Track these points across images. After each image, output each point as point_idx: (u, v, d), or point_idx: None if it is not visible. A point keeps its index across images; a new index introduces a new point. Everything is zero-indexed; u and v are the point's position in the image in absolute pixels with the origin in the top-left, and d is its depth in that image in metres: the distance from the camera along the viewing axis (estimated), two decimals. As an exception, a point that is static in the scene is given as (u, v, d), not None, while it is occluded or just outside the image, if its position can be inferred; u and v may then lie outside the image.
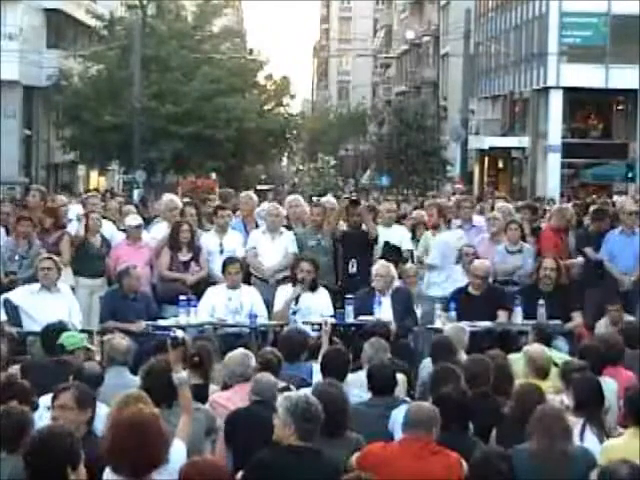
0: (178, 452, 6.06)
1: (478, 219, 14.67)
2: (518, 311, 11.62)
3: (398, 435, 6.98)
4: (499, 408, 7.56)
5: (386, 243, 13.63)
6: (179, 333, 7.82)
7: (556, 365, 8.67)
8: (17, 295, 11.47)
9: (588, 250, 13.85)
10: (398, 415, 7.22)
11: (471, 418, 7.24)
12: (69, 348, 8.62)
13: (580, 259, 13.95)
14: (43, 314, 10.64)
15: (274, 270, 12.99)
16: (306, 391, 6.89)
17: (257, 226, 13.82)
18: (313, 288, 11.89)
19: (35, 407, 7.03)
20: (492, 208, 15.61)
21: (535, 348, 8.75)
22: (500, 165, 55.30)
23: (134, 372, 8.22)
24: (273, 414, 6.45)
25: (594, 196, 28.48)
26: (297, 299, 11.77)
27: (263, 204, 15.36)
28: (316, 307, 11.74)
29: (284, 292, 11.94)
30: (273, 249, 13.14)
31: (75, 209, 14.54)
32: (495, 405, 7.69)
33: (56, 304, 11.17)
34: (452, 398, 7.11)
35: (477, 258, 12.59)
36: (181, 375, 7.03)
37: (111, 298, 11.82)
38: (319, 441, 6.42)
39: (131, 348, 8.63)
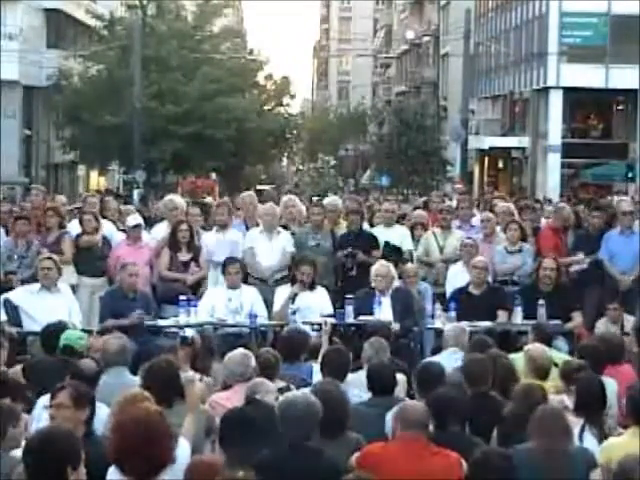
0: (183, 451, 6.07)
1: (477, 219, 14.70)
2: (518, 311, 11.63)
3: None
4: (500, 408, 7.56)
5: (386, 243, 13.64)
6: (189, 333, 7.82)
7: (556, 365, 8.67)
8: (17, 295, 11.48)
9: (580, 255, 13.86)
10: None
11: (468, 417, 7.24)
12: (80, 350, 8.60)
13: (580, 257, 13.94)
14: (43, 314, 10.65)
15: (272, 270, 13.00)
16: (305, 391, 6.90)
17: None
18: (311, 287, 11.90)
19: (32, 404, 7.03)
20: (491, 209, 15.63)
21: (536, 348, 8.75)
22: (500, 165, 55.28)
23: (134, 372, 8.21)
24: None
25: (598, 197, 28.46)
26: (293, 299, 11.78)
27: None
28: (315, 306, 11.75)
29: (283, 292, 11.95)
30: (271, 249, 13.14)
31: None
32: (496, 405, 7.68)
33: (56, 304, 11.17)
34: (446, 397, 7.11)
35: (477, 250, 12.68)
36: (189, 374, 7.02)
37: (110, 298, 11.82)
38: (319, 441, 6.43)
39: (125, 347, 8.53)
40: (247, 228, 13.83)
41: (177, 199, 14.78)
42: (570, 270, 13.68)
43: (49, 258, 11.72)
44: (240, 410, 7.21)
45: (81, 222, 13.49)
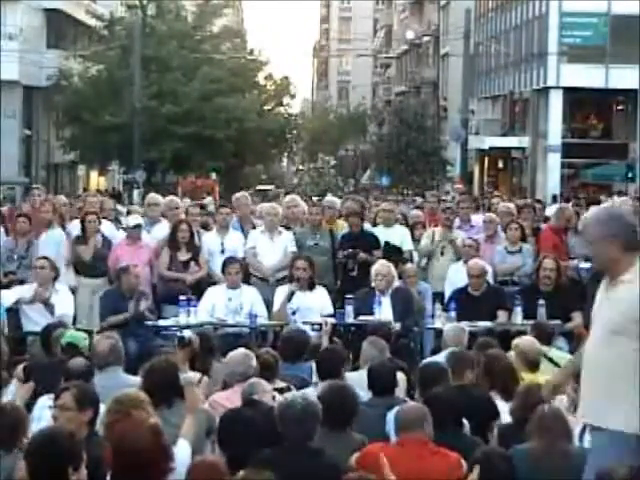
0: (183, 452, 6.05)
1: (477, 219, 14.70)
2: (518, 311, 11.62)
3: (393, 437, 6.98)
4: (488, 403, 7.58)
5: (386, 243, 13.64)
6: (186, 333, 7.76)
7: (558, 366, 8.66)
8: (15, 295, 11.47)
9: (575, 261, 13.89)
10: (392, 417, 7.24)
11: (467, 416, 7.24)
12: (82, 349, 8.58)
13: (575, 262, 13.97)
14: (41, 314, 10.66)
15: (274, 269, 13.00)
16: (307, 391, 6.90)
17: (254, 226, 13.85)
18: (311, 287, 11.89)
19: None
20: (489, 208, 15.65)
21: (525, 341, 8.77)
22: (500, 165, 55.30)
23: (134, 372, 8.19)
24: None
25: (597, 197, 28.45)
26: (291, 297, 11.77)
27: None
28: (315, 306, 11.73)
29: (282, 292, 11.95)
30: (272, 249, 13.15)
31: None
32: (484, 399, 7.71)
33: (54, 304, 11.18)
34: (445, 397, 7.11)
35: (478, 250, 12.67)
36: (188, 375, 7.01)
37: (109, 298, 11.84)
38: (324, 434, 6.45)
39: (116, 346, 8.45)
40: (242, 228, 13.85)
41: (159, 198, 14.76)
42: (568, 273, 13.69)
43: (44, 258, 11.73)
44: (238, 411, 7.22)
45: (83, 222, 13.46)
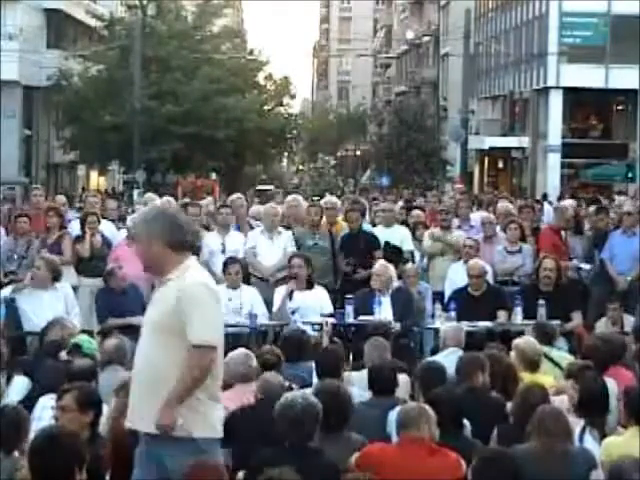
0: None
1: (476, 218, 14.71)
2: (518, 311, 11.62)
3: (395, 437, 6.98)
4: (501, 406, 7.57)
5: (386, 243, 13.63)
6: None
7: (558, 366, 8.66)
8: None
9: (575, 261, 13.91)
10: (394, 417, 7.23)
11: (467, 417, 7.24)
12: (86, 351, 8.56)
13: (575, 262, 13.99)
14: (38, 313, 10.67)
15: (274, 269, 13.00)
16: (308, 391, 6.90)
17: (251, 227, 13.85)
18: (309, 286, 11.88)
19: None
20: (489, 205, 15.67)
21: (525, 341, 8.77)
22: (500, 165, 55.31)
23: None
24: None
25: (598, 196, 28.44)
26: (290, 296, 11.76)
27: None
28: (315, 305, 11.72)
29: (282, 292, 11.94)
30: (272, 249, 13.16)
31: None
32: (496, 402, 7.70)
33: (51, 303, 11.17)
34: (446, 397, 7.11)
35: (478, 250, 12.67)
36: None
37: (103, 297, 11.87)
38: (321, 436, 6.44)
39: (121, 346, 8.47)
40: (239, 230, 13.86)
41: (156, 198, 14.79)
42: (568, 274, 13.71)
43: (41, 258, 11.72)
44: (254, 407, 7.22)
45: (83, 222, 13.45)
